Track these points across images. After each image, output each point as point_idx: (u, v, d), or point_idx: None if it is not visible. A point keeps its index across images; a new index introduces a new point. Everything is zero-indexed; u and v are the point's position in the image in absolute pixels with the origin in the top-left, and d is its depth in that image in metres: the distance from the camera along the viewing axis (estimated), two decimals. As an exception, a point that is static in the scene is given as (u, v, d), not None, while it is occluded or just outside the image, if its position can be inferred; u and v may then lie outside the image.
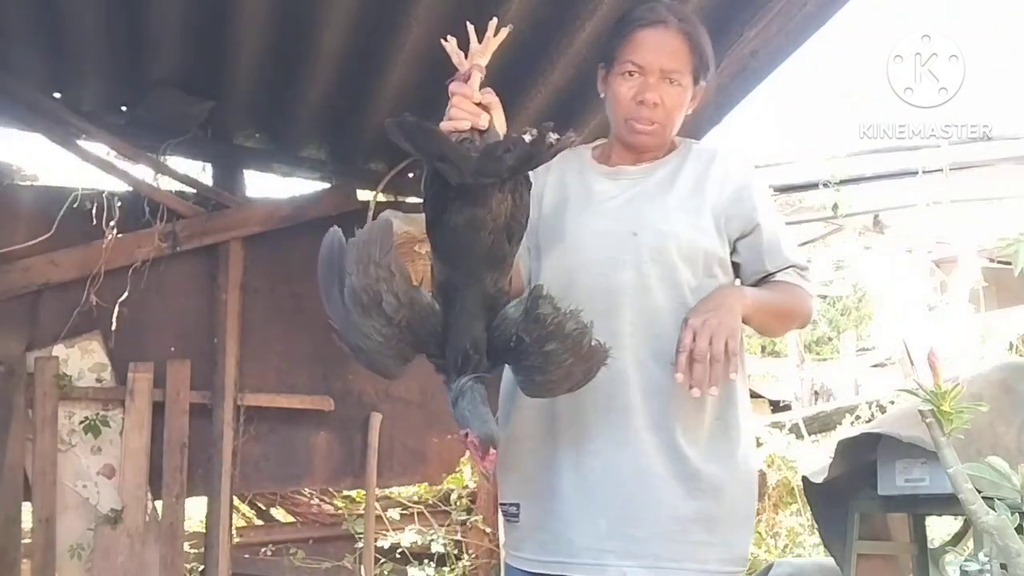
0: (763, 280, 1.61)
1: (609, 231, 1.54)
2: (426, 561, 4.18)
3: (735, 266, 1.61)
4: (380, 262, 1.30)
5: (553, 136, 1.25)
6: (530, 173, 1.34)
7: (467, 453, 4.07)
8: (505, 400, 1.61)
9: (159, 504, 3.16)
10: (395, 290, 1.30)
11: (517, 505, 1.58)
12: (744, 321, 1.49)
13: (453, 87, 1.44)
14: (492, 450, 1.29)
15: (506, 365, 1.40)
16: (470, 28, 1.48)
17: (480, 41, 1.48)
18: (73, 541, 3.04)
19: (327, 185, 3.57)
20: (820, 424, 6.05)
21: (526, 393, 1.38)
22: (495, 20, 1.49)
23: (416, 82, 2.89)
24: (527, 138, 1.26)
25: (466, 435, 1.30)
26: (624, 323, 1.50)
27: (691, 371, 1.38)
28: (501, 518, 4.24)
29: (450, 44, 1.48)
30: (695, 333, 1.40)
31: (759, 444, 4.79)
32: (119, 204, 3.18)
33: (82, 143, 3.12)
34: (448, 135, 1.33)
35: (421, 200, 1.40)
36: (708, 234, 1.56)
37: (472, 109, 1.41)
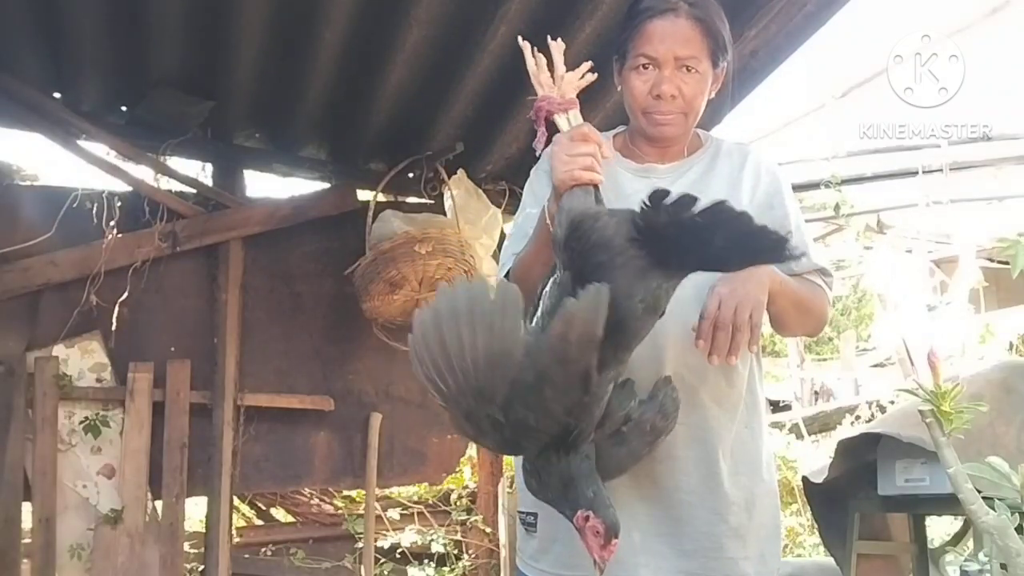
0: None
1: None
2: (426, 561, 4.18)
3: None
4: (598, 335, 1.16)
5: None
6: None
7: (464, 456, 4.08)
8: None
9: (159, 504, 3.16)
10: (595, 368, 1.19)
11: (535, 515, 1.52)
12: (767, 302, 1.44)
13: (588, 131, 1.36)
14: (615, 540, 1.20)
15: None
16: (555, 50, 1.42)
17: (555, 64, 1.42)
18: (73, 541, 3.04)
19: (327, 185, 3.57)
20: (820, 424, 6.05)
21: (605, 475, 1.29)
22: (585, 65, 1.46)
23: (416, 82, 2.90)
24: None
25: (586, 519, 1.21)
26: (667, 335, 1.44)
27: (713, 338, 1.35)
28: (503, 521, 4.24)
29: (537, 59, 1.42)
30: (720, 301, 1.36)
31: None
32: (119, 204, 3.18)
33: (82, 143, 3.12)
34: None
35: (582, 255, 1.28)
36: None
37: (598, 166, 1.35)
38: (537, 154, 1.46)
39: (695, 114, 1.54)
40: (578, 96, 1.43)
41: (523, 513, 1.56)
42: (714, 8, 1.53)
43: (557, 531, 1.49)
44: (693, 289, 1.46)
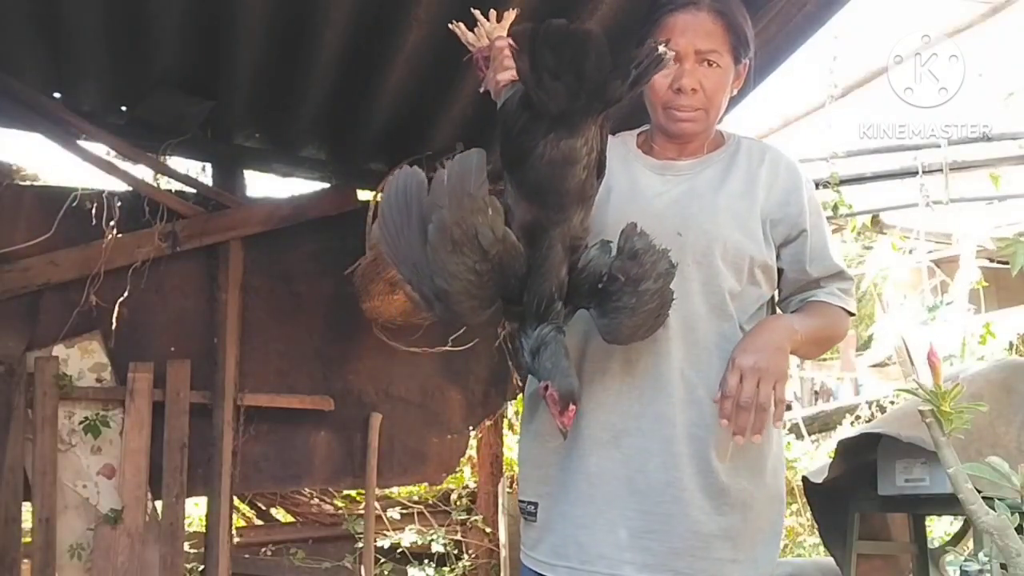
0: (805, 287, 1.57)
1: (652, 229, 1.44)
2: (426, 561, 4.19)
3: (778, 272, 1.56)
4: (475, 194, 1.25)
5: (664, 50, 1.21)
6: None
7: (464, 456, 4.08)
8: (532, 395, 1.55)
9: (159, 504, 3.16)
10: (490, 224, 1.24)
11: (535, 504, 1.52)
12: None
13: (499, 43, 1.43)
14: (572, 406, 1.24)
15: (585, 310, 1.34)
16: (476, 13, 1.48)
17: (489, 21, 1.49)
18: (73, 541, 3.04)
19: (327, 185, 3.57)
20: (820, 424, 6.05)
21: (608, 339, 1.32)
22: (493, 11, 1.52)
23: (416, 82, 2.90)
24: (662, 49, 1.20)
25: (546, 388, 1.25)
26: (668, 327, 1.42)
27: (736, 416, 1.33)
28: (503, 521, 4.24)
29: (460, 28, 1.47)
30: (742, 375, 1.34)
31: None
32: (119, 204, 3.18)
33: (82, 143, 3.11)
34: (603, 45, 1.19)
35: (502, 137, 1.34)
36: (755, 239, 1.50)
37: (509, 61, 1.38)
38: (481, 90, 1.54)
39: (716, 110, 1.53)
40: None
41: (524, 502, 1.55)
42: (736, 3, 1.53)
43: (553, 520, 1.49)
44: (699, 284, 1.47)
